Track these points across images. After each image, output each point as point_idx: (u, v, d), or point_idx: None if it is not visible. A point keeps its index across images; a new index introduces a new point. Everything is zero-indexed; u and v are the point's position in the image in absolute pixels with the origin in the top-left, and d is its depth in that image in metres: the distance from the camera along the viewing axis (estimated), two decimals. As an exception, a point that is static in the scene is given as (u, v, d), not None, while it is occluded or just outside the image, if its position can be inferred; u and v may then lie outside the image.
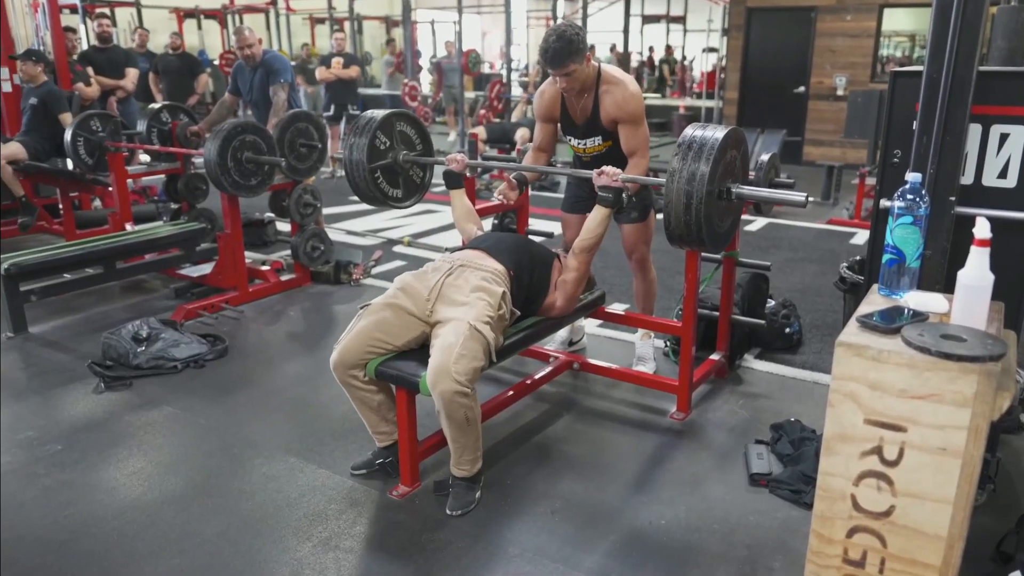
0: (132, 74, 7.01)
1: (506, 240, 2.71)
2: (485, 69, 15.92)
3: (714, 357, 3.22)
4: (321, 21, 16.33)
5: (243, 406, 3.09)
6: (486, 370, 2.34)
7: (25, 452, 2.69)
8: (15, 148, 5.25)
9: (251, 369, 3.46)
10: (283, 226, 5.60)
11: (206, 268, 4.48)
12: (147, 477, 2.54)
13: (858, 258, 3.32)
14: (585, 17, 11.09)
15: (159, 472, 2.58)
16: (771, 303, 3.66)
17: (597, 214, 2.69)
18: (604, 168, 2.69)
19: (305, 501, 2.40)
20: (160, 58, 7.97)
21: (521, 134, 7.73)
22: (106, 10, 12.26)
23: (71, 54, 6.53)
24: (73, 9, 11.31)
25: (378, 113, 3.06)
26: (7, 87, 5.81)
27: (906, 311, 1.57)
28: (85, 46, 7.72)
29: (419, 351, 2.38)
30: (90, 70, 6.62)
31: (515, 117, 9.69)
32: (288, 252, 4.81)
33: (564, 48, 2.70)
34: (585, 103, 2.94)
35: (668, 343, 3.53)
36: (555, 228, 3.71)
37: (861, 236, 5.90)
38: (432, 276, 2.47)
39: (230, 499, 2.41)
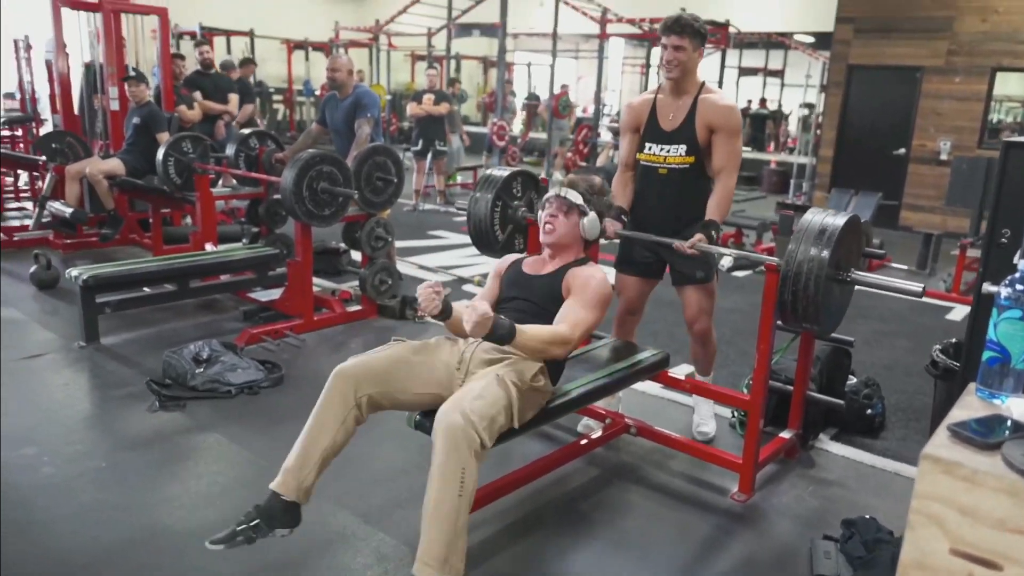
0: (234, 99, 7.31)
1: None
2: (579, 113, 16.00)
3: (784, 435, 2.98)
4: (421, 58, 16.84)
5: (288, 439, 2.99)
6: (504, 434, 2.10)
7: (70, 466, 2.70)
8: (114, 164, 5.52)
9: (303, 400, 3.37)
10: (357, 256, 5.65)
11: (276, 293, 4.52)
12: (181, 506, 2.50)
13: (953, 340, 3.03)
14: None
15: (194, 502, 2.53)
16: (852, 380, 3.39)
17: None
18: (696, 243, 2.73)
19: (332, 549, 2.30)
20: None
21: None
22: (205, 38, 12.95)
23: (177, 79, 6.85)
24: (193, 36, 12.04)
25: (517, 169, 3.29)
26: (115, 106, 6.13)
27: (1008, 421, 1.35)
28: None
29: None
30: (197, 94, 6.92)
31: (600, 162, 9.62)
32: (358, 283, 4.83)
33: (684, 20, 2.78)
34: (681, 105, 2.89)
35: (736, 414, 3.30)
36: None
37: (959, 312, 5.48)
38: (465, 346, 2.32)
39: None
